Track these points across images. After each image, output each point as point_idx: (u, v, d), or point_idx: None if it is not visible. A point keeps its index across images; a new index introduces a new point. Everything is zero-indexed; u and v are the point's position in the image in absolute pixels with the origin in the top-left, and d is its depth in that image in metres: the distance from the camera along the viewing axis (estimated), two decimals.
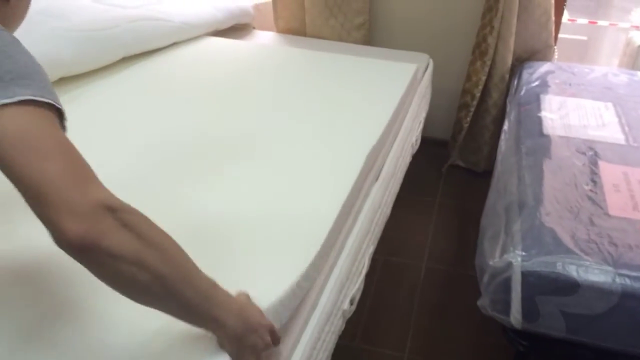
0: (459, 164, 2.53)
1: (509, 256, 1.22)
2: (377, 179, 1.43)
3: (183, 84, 1.66)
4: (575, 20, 2.97)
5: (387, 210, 1.48)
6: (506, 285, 1.24)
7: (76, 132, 0.70)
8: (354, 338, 1.65)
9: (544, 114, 1.81)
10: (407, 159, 1.73)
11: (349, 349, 1.60)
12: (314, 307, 1.02)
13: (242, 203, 1.09)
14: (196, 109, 1.50)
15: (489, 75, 2.28)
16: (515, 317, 1.24)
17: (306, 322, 0.99)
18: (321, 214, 1.08)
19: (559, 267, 1.18)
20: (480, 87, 2.31)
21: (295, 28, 2.44)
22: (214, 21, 2.12)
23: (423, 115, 2.00)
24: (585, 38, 3.10)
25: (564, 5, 2.32)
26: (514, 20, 2.15)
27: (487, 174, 2.43)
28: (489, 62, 2.26)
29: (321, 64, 1.86)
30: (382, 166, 1.47)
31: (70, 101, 1.50)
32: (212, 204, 1.08)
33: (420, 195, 2.30)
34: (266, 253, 0.97)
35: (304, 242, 0.99)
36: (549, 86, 2.02)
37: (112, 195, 0.63)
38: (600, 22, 3.35)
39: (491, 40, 2.19)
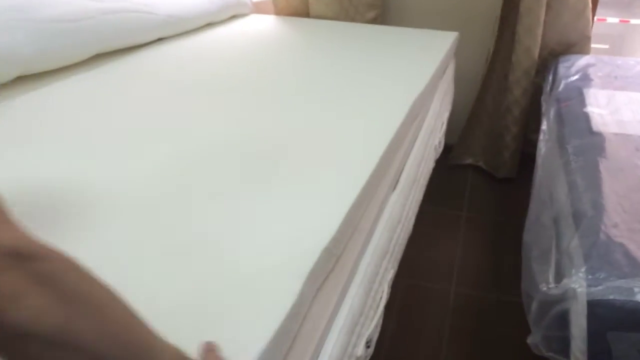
0: (481, 166, 2.26)
1: (570, 281, 0.94)
2: (394, 187, 1.15)
3: (172, 81, 1.41)
4: (605, 20, 2.71)
5: (408, 225, 1.21)
6: (565, 319, 0.96)
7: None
8: None
9: (591, 109, 1.53)
10: (430, 164, 1.46)
11: None
12: (315, 356, 0.75)
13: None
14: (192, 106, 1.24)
15: (511, 70, 2.01)
16: (579, 359, 0.95)
17: None
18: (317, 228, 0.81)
19: (637, 295, 0.90)
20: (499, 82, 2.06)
21: (297, 8, 2.17)
22: (205, 13, 1.88)
23: (446, 115, 1.73)
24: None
25: None
26: (542, 9, 1.89)
27: (508, 182, 2.16)
28: (509, 54, 2.00)
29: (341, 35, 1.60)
30: (401, 171, 1.20)
31: (29, 101, 1.27)
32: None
33: (443, 208, 2.03)
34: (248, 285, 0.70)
35: (287, 276, 0.72)
36: (591, 79, 1.75)
37: (24, 236, 0.40)
38: (633, 21, 3.10)
39: (517, 28, 1.93)
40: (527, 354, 1.43)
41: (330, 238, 0.79)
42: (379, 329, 0.96)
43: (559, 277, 0.99)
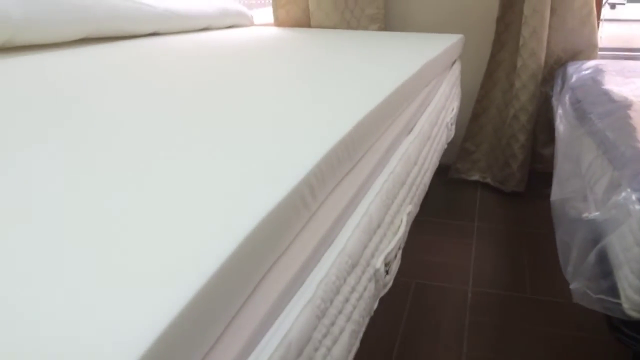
0: (488, 182, 2.15)
1: (618, 199, 0.81)
2: (409, 133, 1.05)
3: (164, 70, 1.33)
4: None
5: (425, 177, 1.08)
6: (612, 253, 0.82)
7: None
8: None
9: (609, 87, 1.45)
10: (443, 137, 1.36)
11: None
12: (326, 244, 0.61)
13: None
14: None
15: (516, 76, 1.95)
16: (631, 298, 0.80)
17: (315, 258, 0.58)
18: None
19: None
20: (503, 88, 1.99)
21: (298, 20, 2.13)
22: (203, 15, 1.84)
23: (455, 104, 1.64)
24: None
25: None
26: (547, 11, 1.86)
27: (516, 196, 2.05)
28: (514, 58, 1.95)
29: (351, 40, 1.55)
30: (416, 122, 1.10)
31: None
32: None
33: (456, 220, 1.90)
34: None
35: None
36: (604, 72, 1.68)
37: None
38: None
39: (522, 32, 1.89)
40: (550, 349, 1.26)
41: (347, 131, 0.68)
42: (398, 261, 0.82)
43: (608, 198, 0.86)
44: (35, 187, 0.52)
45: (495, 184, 2.13)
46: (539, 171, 2.13)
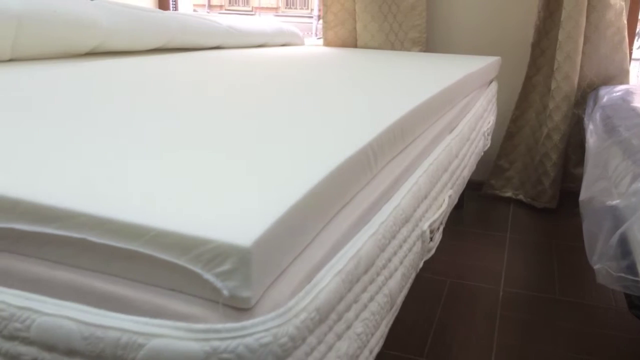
0: (521, 199, 2.24)
1: None
2: (450, 132, 1.18)
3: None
4: None
5: (464, 172, 1.21)
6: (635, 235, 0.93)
7: None
8: (423, 352, 1.29)
9: (637, 105, 1.56)
10: (480, 143, 1.48)
11: None
12: (385, 199, 0.75)
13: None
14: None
15: (550, 98, 2.07)
16: None
17: (377, 206, 0.72)
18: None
19: None
20: (538, 109, 2.11)
21: (345, 41, 2.30)
22: (262, 33, 2.02)
23: (492, 118, 1.77)
24: None
25: (638, 24, 2.16)
26: (581, 38, 1.98)
27: (548, 212, 2.14)
28: (548, 81, 2.07)
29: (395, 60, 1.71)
30: (457, 124, 1.24)
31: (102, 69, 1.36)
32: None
33: (488, 230, 2.00)
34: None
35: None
36: (634, 94, 1.79)
37: None
38: None
39: (556, 56, 2.01)
40: (575, 342, 1.35)
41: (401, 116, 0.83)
42: (439, 235, 0.94)
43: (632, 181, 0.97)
44: (174, 143, 0.68)
45: (527, 200, 2.23)
46: (570, 190, 2.22)
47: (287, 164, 0.59)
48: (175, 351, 0.45)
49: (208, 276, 0.45)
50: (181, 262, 0.46)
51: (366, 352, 0.65)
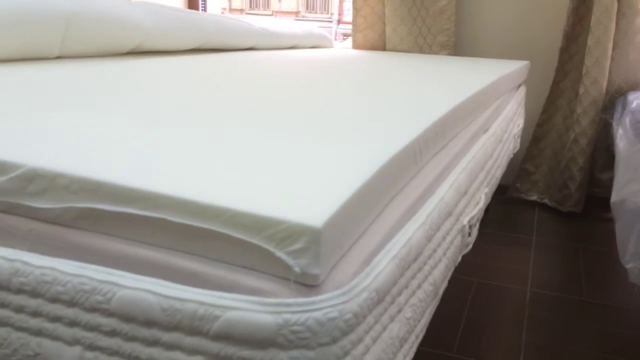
0: (546, 203, 2.26)
1: None
2: (485, 132, 1.21)
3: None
4: None
5: (497, 172, 1.24)
6: None
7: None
8: (452, 348, 1.32)
9: None
10: (511, 144, 1.51)
11: (449, 359, 1.28)
12: (430, 192, 0.78)
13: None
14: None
15: (578, 103, 2.08)
16: None
17: (423, 198, 0.75)
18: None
19: None
20: (565, 114, 2.12)
21: (373, 44, 2.33)
22: (293, 35, 2.07)
23: (521, 121, 1.79)
24: None
25: None
26: (610, 43, 2.00)
27: (573, 216, 2.14)
28: (576, 86, 2.08)
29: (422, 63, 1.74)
30: (490, 125, 1.27)
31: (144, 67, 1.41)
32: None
33: (514, 233, 2.02)
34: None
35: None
36: None
37: None
38: None
39: (585, 61, 2.03)
40: (603, 342, 1.37)
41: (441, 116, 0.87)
42: (475, 231, 0.97)
43: None
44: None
45: (552, 204, 2.24)
46: (596, 195, 2.23)
47: (349, 154, 0.63)
48: (250, 323, 0.49)
49: (280, 254, 0.49)
50: (255, 240, 0.50)
51: (412, 337, 0.68)
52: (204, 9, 3.16)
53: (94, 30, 1.31)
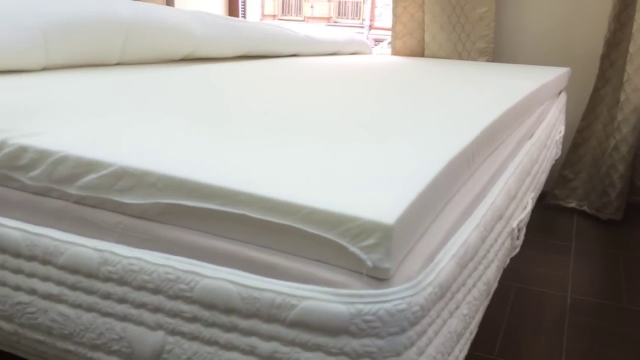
0: (585, 210, 2.24)
1: None
2: (530, 138, 1.23)
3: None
4: None
5: (542, 177, 1.26)
6: None
7: None
8: (493, 351, 1.34)
9: None
10: (553, 151, 1.52)
11: None
12: (482, 196, 0.81)
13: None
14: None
15: (619, 110, 2.07)
16: None
17: (476, 201, 0.78)
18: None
19: None
20: (605, 121, 2.11)
21: (413, 50, 2.37)
22: (334, 42, 2.12)
23: (562, 127, 1.80)
24: None
25: None
26: None
27: (613, 224, 2.13)
28: (617, 93, 2.07)
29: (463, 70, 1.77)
30: (535, 131, 1.29)
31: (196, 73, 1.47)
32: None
33: (553, 239, 2.02)
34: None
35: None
36: None
37: None
38: None
39: (626, 68, 2.02)
40: None
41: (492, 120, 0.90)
42: (522, 235, 0.99)
43: None
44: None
45: (591, 212, 2.23)
46: (636, 203, 2.22)
47: (412, 156, 0.67)
48: (324, 312, 0.53)
49: (354, 249, 0.53)
50: (330, 236, 0.54)
51: (467, 333, 0.71)
52: (244, 16, 3.24)
53: (151, 39, 1.38)
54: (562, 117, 1.91)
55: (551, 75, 1.67)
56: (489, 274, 0.77)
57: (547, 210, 2.31)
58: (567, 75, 2.02)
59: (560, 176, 2.31)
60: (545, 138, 1.36)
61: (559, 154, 1.74)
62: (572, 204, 2.30)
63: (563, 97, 1.98)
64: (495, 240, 0.81)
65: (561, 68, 1.98)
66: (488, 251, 0.77)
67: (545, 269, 1.78)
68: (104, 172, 0.63)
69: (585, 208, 2.27)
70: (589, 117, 2.22)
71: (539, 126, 1.37)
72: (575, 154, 2.27)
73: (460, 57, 2.30)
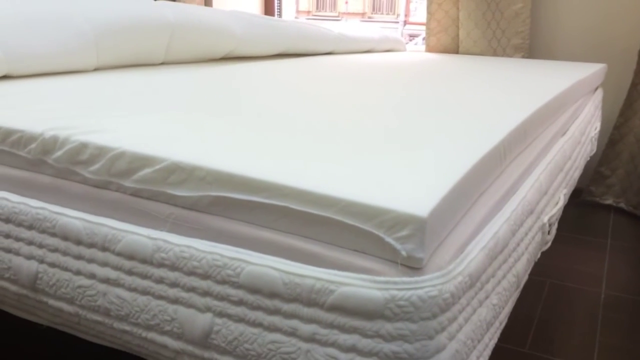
0: (622, 207, 2.22)
1: None
2: (563, 134, 1.25)
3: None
4: None
5: (575, 174, 1.27)
6: None
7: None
8: (524, 345, 1.36)
9: None
10: (588, 147, 1.53)
11: (522, 355, 1.32)
12: (513, 191, 0.84)
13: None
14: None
15: None
16: None
17: (507, 196, 0.81)
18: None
19: None
20: None
21: (447, 47, 2.38)
22: (369, 40, 2.15)
23: (598, 124, 1.80)
24: None
25: None
26: None
27: None
28: None
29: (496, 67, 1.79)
30: (568, 127, 1.30)
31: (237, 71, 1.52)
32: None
33: (588, 236, 2.01)
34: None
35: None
36: None
37: None
38: None
39: None
40: None
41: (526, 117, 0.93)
42: (554, 230, 1.01)
43: None
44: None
45: (628, 209, 2.21)
46: None
47: (445, 152, 0.70)
48: (361, 297, 0.57)
49: (389, 239, 0.57)
50: (367, 227, 0.58)
51: (497, 322, 0.75)
52: (279, 13, 3.29)
53: (194, 39, 1.44)
54: (598, 113, 1.90)
55: (587, 71, 1.67)
56: (519, 267, 0.80)
57: (583, 207, 2.30)
58: (603, 71, 2.01)
59: (596, 173, 2.29)
60: (579, 135, 1.37)
61: (594, 150, 1.74)
62: (609, 201, 2.28)
63: (599, 94, 1.97)
64: (526, 234, 0.83)
65: (597, 64, 1.97)
66: (518, 244, 0.80)
67: (580, 265, 1.78)
68: (157, 166, 0.68)
69: (622, 205, 2.25)
70: (626, 113, 2.20)
71: (573, 123, 1.38)
72: (612, 150, 2.25)
73: (495, 54, 2.30)
